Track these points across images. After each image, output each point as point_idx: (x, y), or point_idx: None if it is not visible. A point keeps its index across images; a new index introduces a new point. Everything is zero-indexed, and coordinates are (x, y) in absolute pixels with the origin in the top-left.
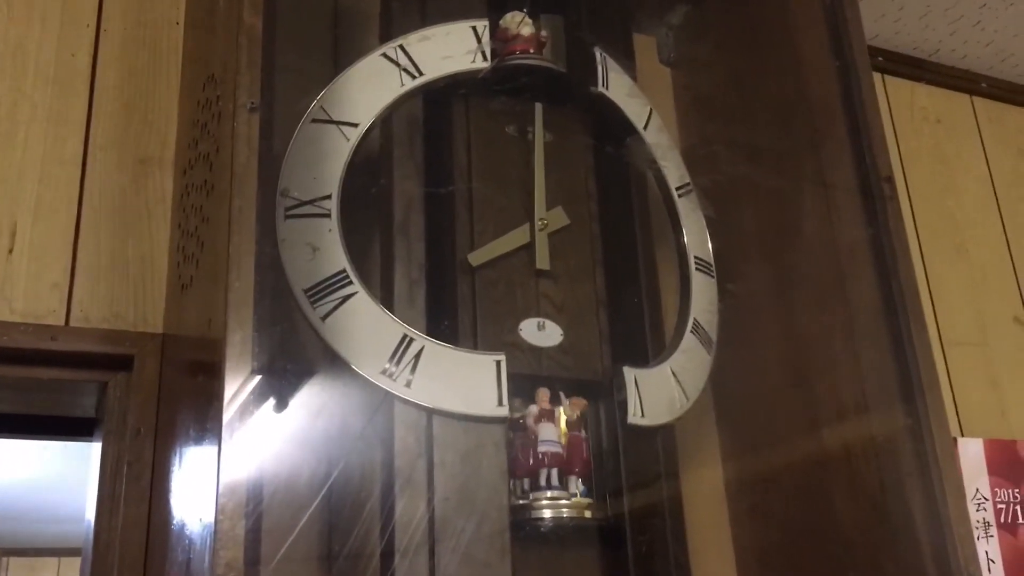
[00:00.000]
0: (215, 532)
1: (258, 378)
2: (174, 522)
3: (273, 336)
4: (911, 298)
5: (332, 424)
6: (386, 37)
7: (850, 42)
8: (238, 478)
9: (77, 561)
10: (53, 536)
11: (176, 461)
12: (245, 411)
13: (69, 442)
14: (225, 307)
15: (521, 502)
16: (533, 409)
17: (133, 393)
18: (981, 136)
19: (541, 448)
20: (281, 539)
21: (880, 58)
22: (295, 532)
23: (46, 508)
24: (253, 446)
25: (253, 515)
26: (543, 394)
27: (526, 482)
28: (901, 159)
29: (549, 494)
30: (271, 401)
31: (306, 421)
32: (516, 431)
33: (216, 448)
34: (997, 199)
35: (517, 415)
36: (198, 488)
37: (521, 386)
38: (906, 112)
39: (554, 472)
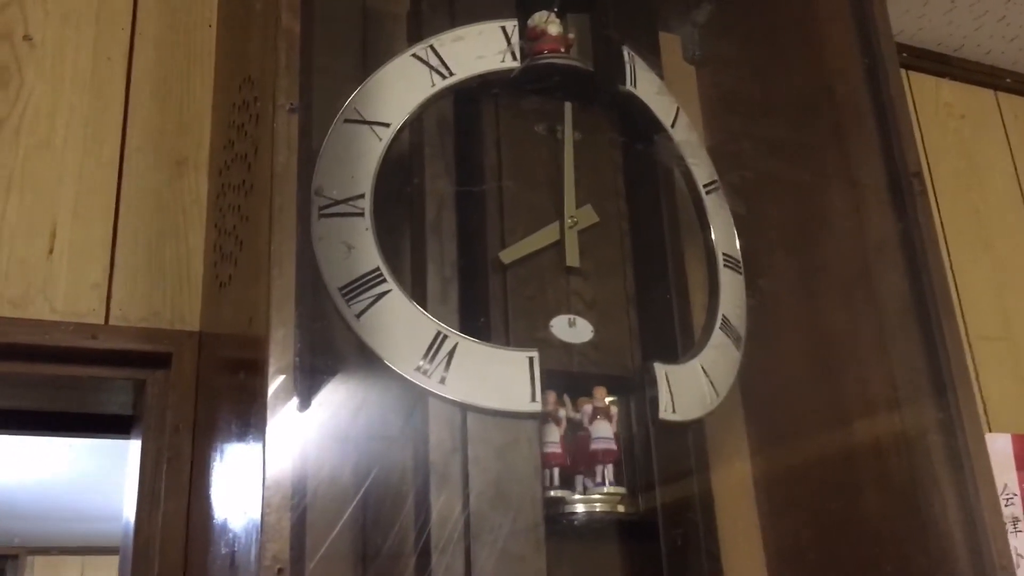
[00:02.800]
0: (261, 525)
1: (299, 374)
2: (215, 517)
3: (313, 333)
4: (941, 292)
5: (369, 420)
6: (415, 38)
7: (877, 37)
8: (283, 472)
9: (101, 560)
10: (77, 535)
11: (216, 457)
12: (288, 407)
13: (96, 440)
14: (267, 305)
15: (552, 494)
16: (588, 408)
17: (171, 390)
18: (1006, 131)
19: (597, 445)
20: (323, 533)
21: (904, 54)
22: (339, 524)
23: (71, 507)
24: (296, 441)
25: (298, 509)
26: (600, 392)
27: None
28: (926, 154)
29: (605, 490)
30: (311, 397)
31: (344, 417)
32: (572, 429)
33: (261, 443)
34: (1022, 193)
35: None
36: (241, 483)
37: (553, 382)
38: (931, 108)
39: (609, 468)
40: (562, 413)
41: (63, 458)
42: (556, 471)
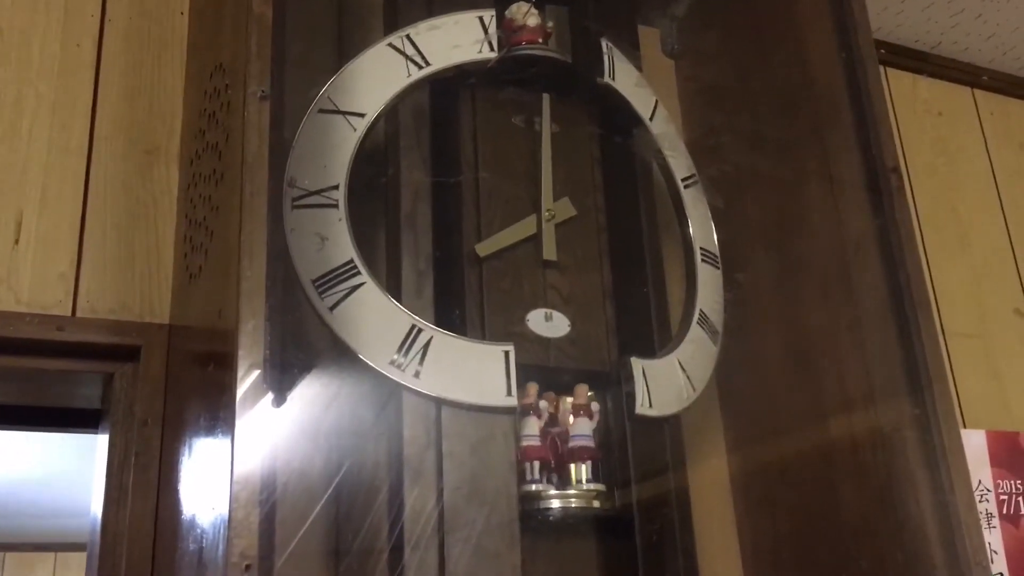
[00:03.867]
0: (229, 521)
1: (270, 368)
2: (184, 513)
3: (284, 326)
4: (918, 289)
5: (341, 414)
6: (391, 27)
7: (856, 33)
8: (252, 468)
9: (73, 556)
10: (49, 531)
11: (185, 452)
12: (257, 401)
13: (67, 435)
14: (237, 296)
15: (533, 488)
16: (568, 403)
17: (140, 383)
18: (983, 129)
19: (576, 443)
20: (294, 528)
21: (882, 50)
22: (310, 519)
23: (43, 503)
24: (265, 436)
25: (267, 504)
26: (581, 390)
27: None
28: (903, 151)
29: (585, 487)
30: (282, 391)
31: (316, 412)
32: (550, 424)
33: (229, 438)
34: (998, 191)
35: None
36: (209, 478)
37: (529, 377)
38: (908, 104)
39: (587, 466)
40: (543, 405)
41: (34, 453)
42: (536, 464)
